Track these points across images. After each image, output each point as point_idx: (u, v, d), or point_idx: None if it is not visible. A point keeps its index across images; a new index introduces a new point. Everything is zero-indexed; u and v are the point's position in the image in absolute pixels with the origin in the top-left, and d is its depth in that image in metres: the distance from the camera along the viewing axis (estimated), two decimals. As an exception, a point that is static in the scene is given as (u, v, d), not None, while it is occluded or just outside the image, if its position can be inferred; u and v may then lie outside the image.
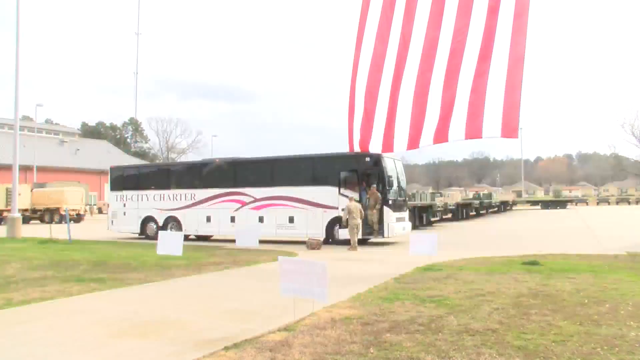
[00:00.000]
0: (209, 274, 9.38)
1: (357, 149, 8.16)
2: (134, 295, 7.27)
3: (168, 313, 6.02)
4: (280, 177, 16.55)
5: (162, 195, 18.40)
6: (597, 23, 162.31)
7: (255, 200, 16.62)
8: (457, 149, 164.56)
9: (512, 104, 6.36)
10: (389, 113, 7.59)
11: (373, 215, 14.73)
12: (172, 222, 18.10)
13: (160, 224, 18.21)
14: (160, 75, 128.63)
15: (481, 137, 6.63)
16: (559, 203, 57.96)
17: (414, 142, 7.39)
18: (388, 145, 7.72)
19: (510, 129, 6.36)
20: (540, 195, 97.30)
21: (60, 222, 31.12)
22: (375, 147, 7.87)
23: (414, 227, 19.96)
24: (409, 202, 19.99)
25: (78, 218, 33.37)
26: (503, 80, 6.44)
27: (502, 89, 6.43)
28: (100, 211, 47.71)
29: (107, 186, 21.09)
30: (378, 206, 14.71)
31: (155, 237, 14.32)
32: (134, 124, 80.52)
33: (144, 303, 6.66)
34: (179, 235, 11.69)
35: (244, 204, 16.81)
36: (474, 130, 6.65)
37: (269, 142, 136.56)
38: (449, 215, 29.44)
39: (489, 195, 46.41)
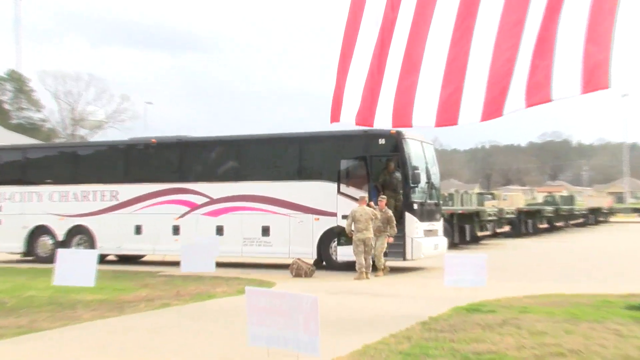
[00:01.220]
0: (137, 315, 9.36)
1: (350, 121, 8.10)
2: (10, 352, 7.13)
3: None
4: (250, 167, 16.64)
5: (63, 194, 18.34)
6: None
7: (212, 201, 16.64)
8: (519, 126, 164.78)
9: (599, 40, 6.14)
10: (407, 74, 7.52)
11: (382, 241, 14.11)
12: (81, 236, 18.07)
13: (60, 238, 18.14)
14: (62, 8, 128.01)
15: (550, 100, 6.47)
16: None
17: (447, 116, 7.28)
18: (402, 119, 7.65)
19: (596, 79, 6.05)
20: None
21: None
22: (382, 121, 7.79)
23: (452, 245, 20.11)
24: (443, 208, 20.03)
25: None
26: (587, 7, 6.33)
27: (585, 21, 6.28)
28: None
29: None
30: (391, 231, 14.09)
31: (51, 259, 14.20)
32: (17, 81, 79.75)
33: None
34: (91, 256, 11.64)
35: (193, 206, 16.83)
36: (538, 92, 6.51)
37: (235, 114, 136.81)
38: (506, 228, 29.63)
39: (570, 199, 46.66)
